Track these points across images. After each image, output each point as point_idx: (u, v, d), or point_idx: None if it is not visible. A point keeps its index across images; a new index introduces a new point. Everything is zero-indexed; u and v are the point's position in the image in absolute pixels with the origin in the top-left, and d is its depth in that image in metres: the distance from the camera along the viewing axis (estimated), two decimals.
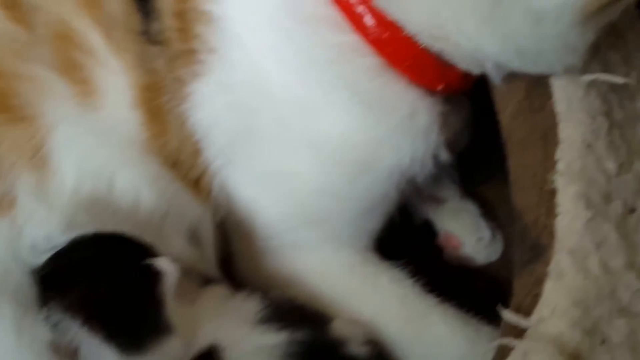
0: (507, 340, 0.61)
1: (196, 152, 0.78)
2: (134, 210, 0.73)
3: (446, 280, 0.85)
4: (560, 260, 0.64)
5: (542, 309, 0.62)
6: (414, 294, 0.81)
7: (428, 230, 0.98)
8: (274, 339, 0.72)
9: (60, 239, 0.68)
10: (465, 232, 0.94)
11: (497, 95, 0.77)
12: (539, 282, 0.64)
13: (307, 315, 0.77)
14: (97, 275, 0.66)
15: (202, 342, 0.70)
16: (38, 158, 0.70)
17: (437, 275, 0.84)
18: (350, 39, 0.72)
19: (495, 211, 0.97)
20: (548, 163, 0.69)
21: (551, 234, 0.66)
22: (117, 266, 0.67)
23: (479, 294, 0.93)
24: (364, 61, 0.72)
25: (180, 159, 0.78)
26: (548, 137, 0.70)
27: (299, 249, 0.82)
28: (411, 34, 0.70)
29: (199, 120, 0.77)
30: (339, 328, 0.76)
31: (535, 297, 0.64)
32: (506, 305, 0.66)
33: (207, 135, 0.78)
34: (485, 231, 0.93)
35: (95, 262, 0.67)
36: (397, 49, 0.71)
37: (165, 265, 0.68)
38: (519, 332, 0.62)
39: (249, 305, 0.76)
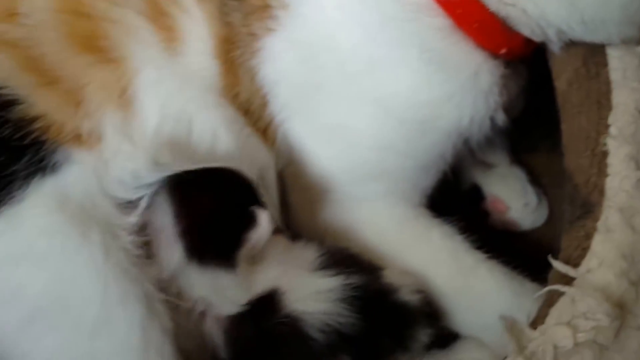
0: (557, 287, 0.65)
1: (264, 104, 0.83)
2: (211, 151, 0.78)
3: (489, 244, 0.89)
4: (609, 217, 0.68)
5: (590, 260, 0.66)
6: (463, 248, 0.85)
7: (473, 196, 1.02)
8: (330, 283, 0.76)
9: (148, 177, 0.73)
10: (513, 197, 0.97)
11: (554, 63, 0.81)
12: (588, 236, 0.68)
13: (360, 262, 0.81)
14: (210, 192, 0.73)
15: (262, 285, 0.75)
16: (124, 98, 0.76)
17: (481, 239, 0.88)
18: (424, 0, 0.76)
19: (540, 179, 1.00)
20: (601, 127, 0.72)
21: (601, 193, 0.69)
22: (229, 195, 0.74)
23: (522, 259, 0.96)
24: (435, 21, 0.76)
25: (250, 109, 0.83)
26: (602, 103, 0.74)
27: (356, 202, 0.86)
28: None
29: (267, 75, 0.82)
30: (390, 276, 0.80)
31: (584, 251, 0.68)
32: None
33: (274, 89, 0.83)
34: (532, 197, 0.97)
35: (214, 184, 0.74)
36: (467, 11, 0.75)
37: (264, 220, 0.74)
38: (567, 282, 0.66)
39: (307, 253, 0.80)
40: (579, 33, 0.74)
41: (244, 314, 0.73)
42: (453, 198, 0.96)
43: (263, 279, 0.76)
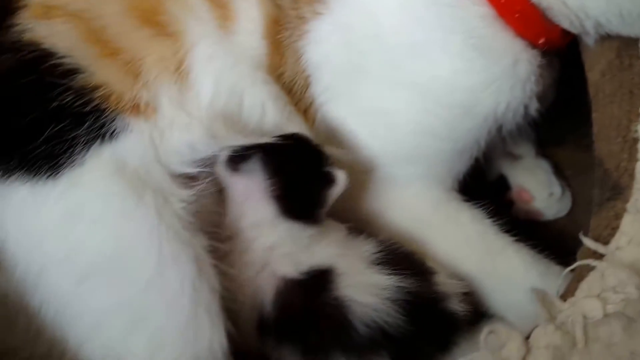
0: (588, 261, 0.68)
1: (306, 85, 0.87)
2: (260, 125, 0.82)
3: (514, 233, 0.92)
4: (639, 199, 0.71)
5: (620, 239, 0.70)
6: (492, 231, 0.88)
7: (499, 186, 1.05)
8: (384, 281, 0.78)
9: (203, 150, 0.78)
10: (538, 187, 1.01)
11: (587, 55, 0.85)
12: (618, 217, 0.72)
13: (415, 264, 0.83)
14: (296, 158, 0.81)
15: (321, 259, 0.79)
16: (180, 71, 0.79)
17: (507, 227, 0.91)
18: None
19: (564, 171, 1.04)
20: (632, 115, 0.76)
21: (631, 177, 0.73)
22: (310, 158, 0.81)
23: (545, 248, 0.99)
24: (479, 9, 0.79)
25: (293, 89, 0.86)
26: (634, 92, 0.78)
27: (392, 184, 0.89)
28: None
29: (312, 57, 0.86)
30: (442, 283, 0.82)
31: (613, 230, 0.71)
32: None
33: (317, 71, 0.86)
34: (556, 187, 1.00)
35: (297, 150, 0.81)
36: (510, 1, 0.79)
37: (342, 178, 0.80)
38: (596, 259, 0.69)
39: (366, 247, 0.83)
40: (616, 26, 0.77)
41: (299, 281, 0.77)
42: (481, 187, 0.99)
43: (323, 253, 0.80)
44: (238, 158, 0.78)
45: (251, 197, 0.78)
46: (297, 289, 0.77)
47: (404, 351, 0.76)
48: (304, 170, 0.80)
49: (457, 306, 0.80)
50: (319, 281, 0.77)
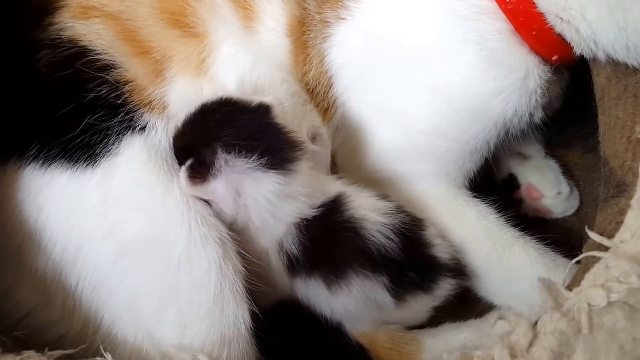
0: (593, 253, 0.72)
1: (329, 85, 0.92)
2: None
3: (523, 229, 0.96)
4: None
5: (624, 233, 0.73)
6: (498, 227, 0.92)
7: (509, 185, 1.09)
8: (386, 206, 0.87)
9: None
10: (547, 185, 1.05)
11: (594, 62, 0.88)
12: (622, 212, 0.75)
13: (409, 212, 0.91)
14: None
15: (327, 193, 0.87)
16: (201, 69, 0.85)
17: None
18: (489, 3, 0.83)
19: (572, 173, 1.08)
20: (636, 117, 0.80)
21: (635, 175, 0.77)
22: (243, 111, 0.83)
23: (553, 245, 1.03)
24: (497, 24, 0.83)
25: (316, 89, 0.91)
26: (638, 96, 0.81)
27: (404, 180, 0.94)
28: (542, 11, 0.81)
29: (334, 59, 0.91)
30: (432, 234, 0.89)
31: (618, 225, 0.75)
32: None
33: (339, 72, 0.91)
34: (564, 186, 1.04)
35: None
36: (528, 19, 0.82)
37: (267, 99, 0.83)
38: (601, 251, 0.73)
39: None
40: (622, 56, 0.80)
41: (315, 215, 0.84)
42: (491, 185, 1.03)
43: (332, 188, 0.87)
44: (199, 169, 0.80)
45: (238, 187, 0.81)
46: (315, 220, 0.84)
47: (396, 276, 0.84)
48: (250, 122, 0.82)
49: (442, 255, 0.88)
50: (332, 206, 0.85)
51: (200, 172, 0.79)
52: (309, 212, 0.84)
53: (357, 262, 0.83)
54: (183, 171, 0.79)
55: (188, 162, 0.80)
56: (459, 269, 0.89)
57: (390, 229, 0.85)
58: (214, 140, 0.80)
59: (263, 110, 0.82)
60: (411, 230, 0.87)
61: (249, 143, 0.80)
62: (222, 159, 0.79)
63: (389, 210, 0.87)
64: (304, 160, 0.83)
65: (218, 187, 0.80)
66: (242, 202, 0.81)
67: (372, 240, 0.83)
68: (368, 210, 0.86)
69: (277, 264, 0.84)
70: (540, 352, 0.66)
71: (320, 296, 0.84)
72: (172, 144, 0.82)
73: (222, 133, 0.80)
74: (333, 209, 0.85)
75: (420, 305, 0.88)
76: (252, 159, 0.79)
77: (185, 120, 0.82)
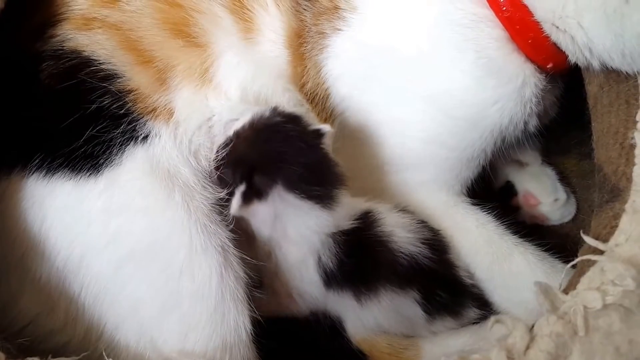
0: (589, 256, 0.73)
1: (327, 96, 0.93)
2: None
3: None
4: (636, 200, 0.76)
5: (619, 236, 0.75)
6: (497, 235, 0.93)
7: (506, 192, 1.10)
8: (410, 221, 0.89)
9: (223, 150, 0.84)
10: (544, 192, 1.06)
11: (586, 70, 0.90)
12: (616, 217, 0.77)
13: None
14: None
15: (359, 209, 0.88)
16: (205, 79, 0.86)
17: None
18: (485, 12, 0.85)
19: (570, 180, 1.09)
20: (629, 123, 0.81)
21: (629, 180, 0.78)
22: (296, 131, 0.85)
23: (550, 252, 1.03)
24: (493, 32, 0.85)
25: (315, 100, 0.93)
26: (630, 102, 0.83)
27: (402, 189, 0.95)
28: (538, 20, 0.82)
29: (331, 70, 0.92)
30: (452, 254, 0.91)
31: (612, 229, 0.76)
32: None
33: (336, 83, 0.92)
34: (561, 193, 1.05)
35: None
36: (524, 28, 0.84)
37: (324, 127, 0.86)
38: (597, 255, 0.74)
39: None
40: (618, 63, 0.81)
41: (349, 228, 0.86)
42: (489, 193, 1.04)
43: (359, 204, 0.89)
44: (251, 194, 0.81)
45: (281, 214, 0.83)
46: (350, 233, 0.85)
47: (427, 292, 0.86)
48: (302, 145, 0.85)
49: (465, 277, 0.90)
50: (366, 219, 0.87)
51: (250, 197, 0.81)
52: (345, 225, 0.86)
53: (389, 277, 0.84)
54: (237, 197, 0.80)
55: (242, 188, 0.81)
56: (483, 299, 0.90)
57: (419, 242, 0.87)
58: (275, 174, 0.82)
59: (319, 137, 0.85)
60: (439, 245, 0.89)
61: (306, 187, 0.82)
62: (277, 192, 0.82)
63: (415, 227, 0.89)
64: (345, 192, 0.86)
65: (261, 210, 0.82)
66: (280, 226, 0.83)
67: (403, 258, 0.85)
68: (398, 227, 0.87)
69: (313, 276, 0.85)
70: (537, 354, 0.67)
71: (349, 308, 0.86)
72: (219, 149, 0.84)
73: (283, 165, 0.82)
74: (367, 224, 0.87)
75: (445, 326, 0.89)
76: (303, 198, 0.82)
77: (242, 131, 0.84)
